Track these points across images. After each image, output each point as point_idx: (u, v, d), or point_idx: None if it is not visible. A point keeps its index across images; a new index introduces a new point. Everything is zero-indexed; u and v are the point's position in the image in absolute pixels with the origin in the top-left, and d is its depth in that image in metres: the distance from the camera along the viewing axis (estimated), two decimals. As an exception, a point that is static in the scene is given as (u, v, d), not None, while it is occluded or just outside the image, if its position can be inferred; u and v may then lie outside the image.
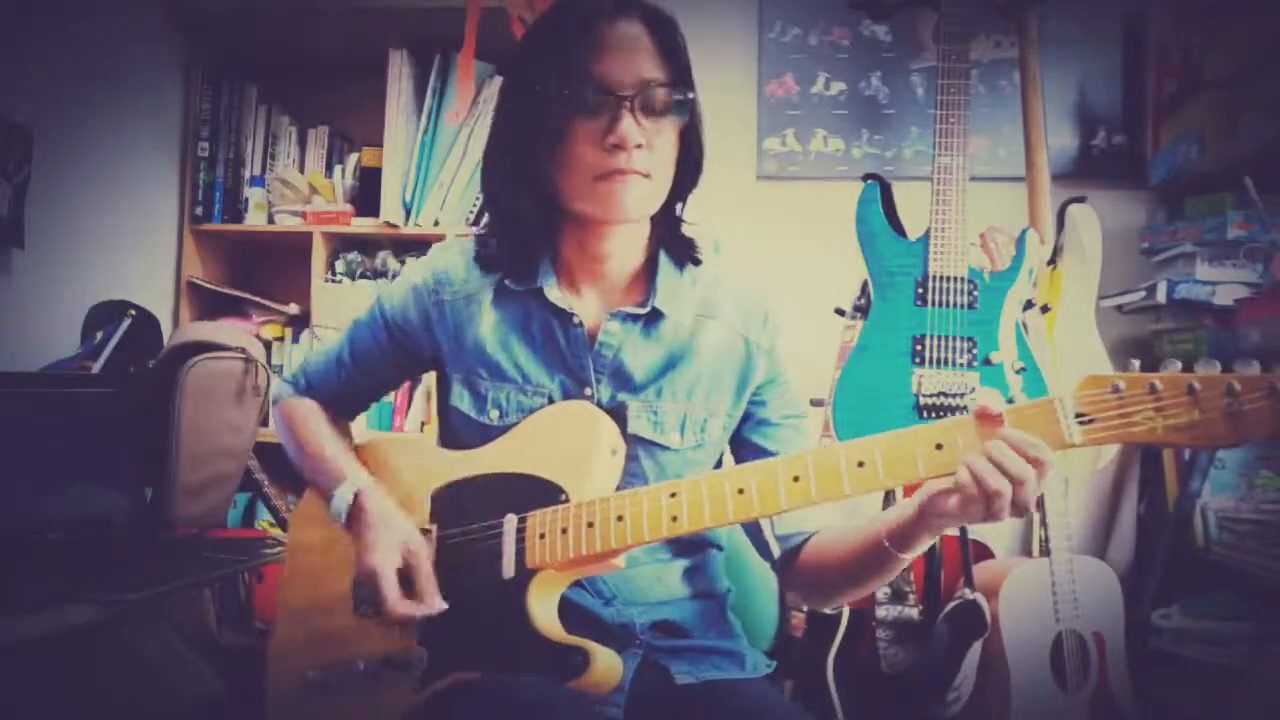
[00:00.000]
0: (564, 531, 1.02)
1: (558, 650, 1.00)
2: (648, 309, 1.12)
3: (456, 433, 1.17)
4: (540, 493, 1.05)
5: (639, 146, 1.02)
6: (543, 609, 1.03)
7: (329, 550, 1.16)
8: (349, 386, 1.27)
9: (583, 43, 1.02)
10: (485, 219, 1.19)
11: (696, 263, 1.17)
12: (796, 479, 0.95)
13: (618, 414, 1.10)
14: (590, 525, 1.01)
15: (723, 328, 1.16)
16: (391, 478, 1.17)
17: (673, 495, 0.99)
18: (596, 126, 1.02)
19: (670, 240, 1.15)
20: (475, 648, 1.04)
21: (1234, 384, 0.79)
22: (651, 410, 1.13)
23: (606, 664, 0.99)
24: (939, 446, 0.90)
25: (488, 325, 1.14)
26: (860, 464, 0.93)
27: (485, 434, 1.13)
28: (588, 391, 1.12)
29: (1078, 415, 0.86)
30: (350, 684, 1.08)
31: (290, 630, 1.18)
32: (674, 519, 0.99)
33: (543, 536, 1.03)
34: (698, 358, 1.14)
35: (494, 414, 1.14)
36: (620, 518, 1.00)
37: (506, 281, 1.14)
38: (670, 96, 1.04)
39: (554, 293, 1.12)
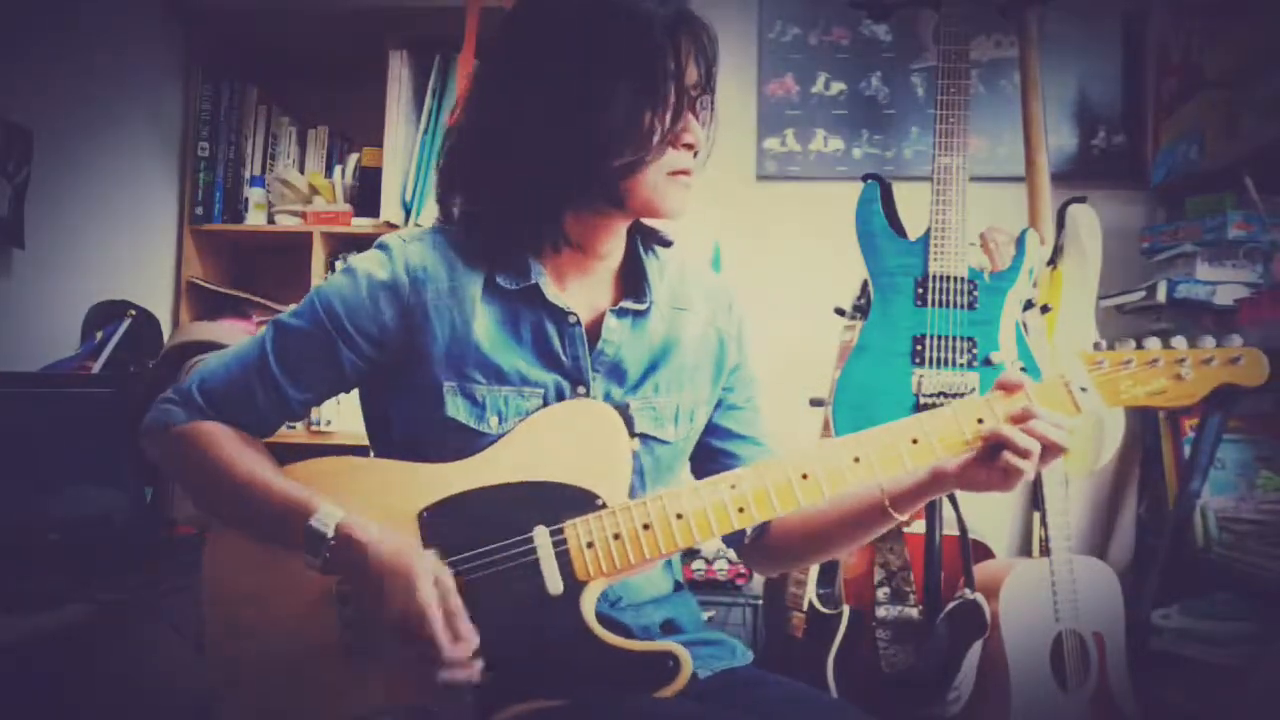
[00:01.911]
0: (616, 537, 0.99)
1: (646, 659, 0.98)
2: (646, 304, 1.12)
3: (436, 446, 1.06)
4: (565, 499, 1.01)
5: None
6: (595, 621, 0.99)
7: (278, 597, 1.01)
8: (274, 403, 1.08)
9: (668, 41, 1.02)
10: (462, 210, 1.12)
11: (666, 244, 1.18)
12: (857, 460, 1.01)
13: (623, 414, 1.08)
14: (647, 527, 0.99)
15: (696, 319, 1.18)
16: (356, 504, 1.00)
17: (732, 487, 1.00)
18: (667, 118, 1.03)
19: (641, 227, 1.16)
20: (533, 673, 0.97)
21: (1186, 357, 1.05)
22: (651, 406, 1.13)
23: (689, 665, 0.99)
24: (980, 420, 1.02)
25: (481, 325, 1.07)
26: (914, 440, 1.02)
27: (478, 443, 1.05)
28: (581, 390, 1.09)
29: (1081, 388, 1.04)
30: None
31: (256, 696, 1.02)
32: (741, 510, 1.00)
33: (590, 545, 0.99)
34: (681, 350, 1.15)
35: (494, 421, 1.06)
36: (680, 515, 0.99)
37: (498, 279, 1.08)
38: (710, 103, 1.08)
39: (550, 290, 1.09)
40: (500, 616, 0.96)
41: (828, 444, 1.03)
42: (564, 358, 1.09)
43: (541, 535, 1.00)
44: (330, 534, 0.96)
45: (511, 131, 1.04)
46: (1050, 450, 1.00)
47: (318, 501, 0.98)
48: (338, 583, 1.01)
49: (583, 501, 1.01)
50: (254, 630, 1.02)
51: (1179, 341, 1.06)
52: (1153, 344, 1.05)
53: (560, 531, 1.00)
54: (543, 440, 1.05)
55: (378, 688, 0.99)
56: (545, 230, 1.08)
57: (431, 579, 0.93)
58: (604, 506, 1.01)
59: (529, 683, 0.98)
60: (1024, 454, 0.99)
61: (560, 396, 1.09)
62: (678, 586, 1.21)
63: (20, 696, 1.46)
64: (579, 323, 1.10)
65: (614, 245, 1.13)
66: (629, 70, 1.01)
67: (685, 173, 1.06)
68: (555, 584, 0.98)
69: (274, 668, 1.01)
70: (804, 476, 1.00)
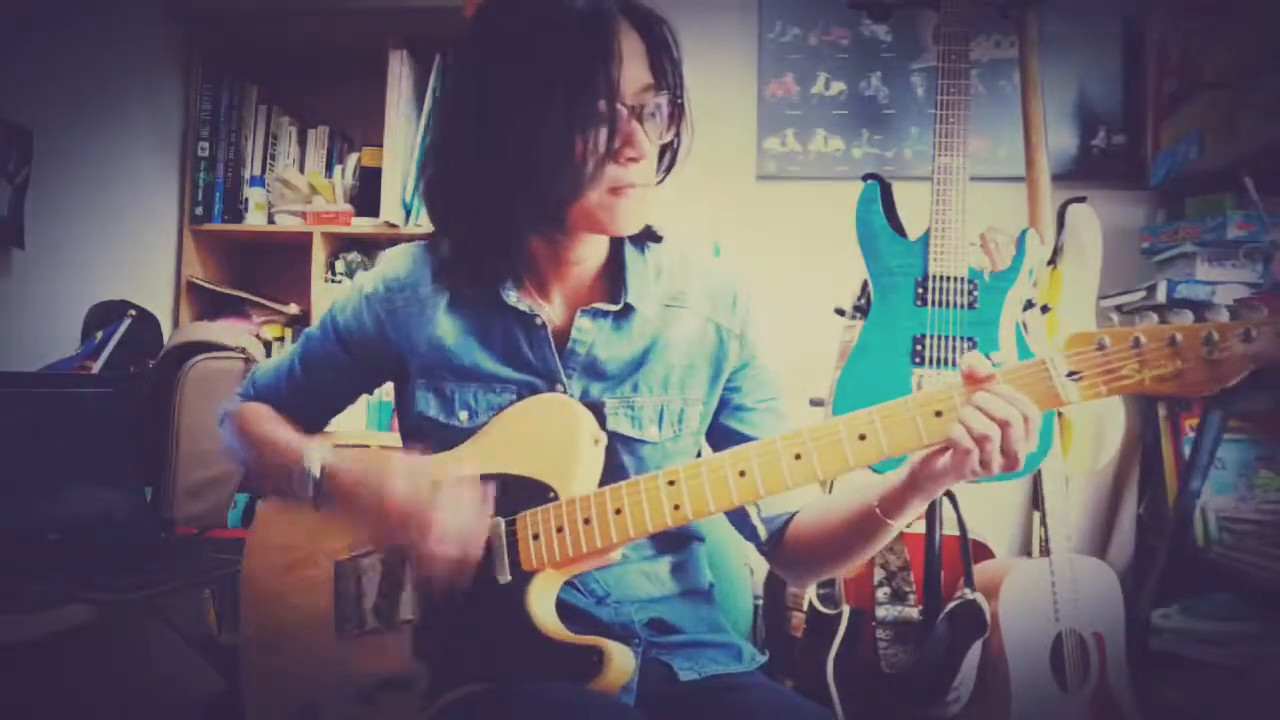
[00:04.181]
0: (559, 530, 1.00)
1: (571, 651, 0.98)
2: (620, 305, 1.11)
3: (424, 440, 1.12)
4: (524, 492, 1.03)
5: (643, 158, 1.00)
6: (544, 611, 1.01)
7: (294, 571, 1.12)
8: (301, 400, 1.21)
9: (588, 50, 0.96)
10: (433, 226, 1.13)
11: (657, 239, 1.15)
12: (798, 456, 0.95)
13: (595, 413, 1.08)
14: (587, 521, 1.00)
15: (693, 316, 1.15)
16: None
17: (671, 483, 0.98)
18: (601, 137, 0.97)
19: None
20: (477, 658, 1.01)
21: (1213, 333, 0.84)
22: (628, 406, 1.12)
23: (621, 661, 0.98)
24: (938, 414, 0.92)
25: (446, 327, 1.11)
26: (862, 436, 0.93)
27: (455, 437, 1.10)
28: (559, 388, 1.10)
29: (1069, 373, 0.89)
30: (344, 712, 1.05)
31: (263, 663, 1.14)
32: (676, 507, 0.98)
33: (536, 537, 1.01)
34: (670, 348, 1.13)
35: (463, 415, 1.10)
36: (619, 510, 0.99)
37: (463, 289, 1.11)
38: (670, 105, 1.02)
39: (512, 296, 1.09)
40: (457, 601, 1.01)
41: (771, 440, 0.97)
42: (533, 360, 1.10)
43: (496, 525, 1.03)
44: (315, 472, 1.06)
45: (456, 159, 1.05)
46: (1005, 438, 0.88)
47: (308, 446, 1.09)
48: (336, 562, 1.11)
49: (537, 494, 1.03)
50: (273, 601, 1.14)
51: (1220, 313, 0.85)
52: (1183, 317, 0.86)
53: (513, 522, 1.02)
54: (508, 434, 1.08)
55: (358, 659, 1.06)
56: (503, 246, 1.07)
57: (405, 471, 1.00)
58: (555, 499, 1.02)
59: (478, 666, 1.01)
60: (978, 438, 0.88)
61: (536, 393, 1.10)
62: (695, 590, 1.20)
63: (20, 696, 1.46)
64: (545, 325, 1.09)
65: (586, 252, 1.10)
66: (553, 91, 0.95)
67: (631, 187, 1.00)
68: (504, 573, 1.01)
69: (276, 636, 1.13)
70: (741, 474, 0.96)
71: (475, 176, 1.03)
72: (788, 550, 1.17)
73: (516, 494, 1.03)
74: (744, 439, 1.16)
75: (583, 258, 1.11)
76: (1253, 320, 0.84)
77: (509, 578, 1.01)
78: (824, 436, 0.94)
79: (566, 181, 0.98)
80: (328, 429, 1.72)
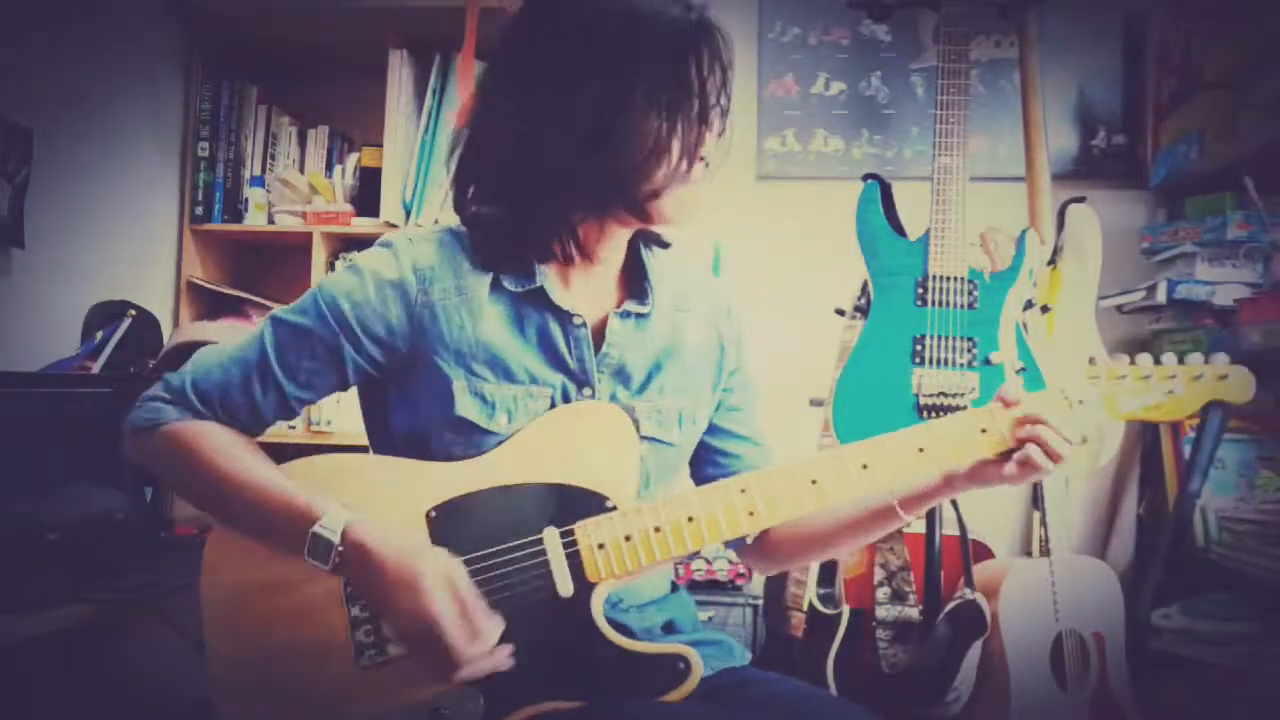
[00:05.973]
0: (628, 539, 0.99)
1: (657, 661, 0.98)
2: (648, 306, 1.12)
3: (443, 445, 1.05)
4: (575, 501, 1.01)
5: None
6: (605, 623, 0.99)
7: (283, 595, 1.00)
8: (273, 402, 1.05)
9: (689, 56, 1.03)
10: (473, 214, 1.10)
11: (664, 245, 1.18)
12: (865, 466, 1.03)
13: (630, 417, 1.09)
14: (658, 530, 0.99)
15: (699, 321, 1.18)
16: (363, 502, 0.99)
17: (742, 491, 1.02)
18: (692, 138, 1.03)
19: (641, 230, 1.14)
20: (546, 677, 0.97)
21: (1177, 373, 1.10)
22: (657, 409, 1.13)
23: (699, 666, 0.99)
24: (984, 430, 1.04)
25: (490, 325, 1.06)
26: (921, 449, 1.03)
27: (485, 442, 1.05)
28: (587, 391, 1.09)
29: (1079, 401, 1.08)
30: None
31: (257, 695, 1.00)
32: (751, 514, 1.02)
33: (602, 547, 0.99)
34: (685, 352, 1.15)
35: (502, 419, 1.05)
36: (691, 518, 1.00)
37: (503, 280, 1.07)
38: (721, 120, 1.08)
39: (556, 292, 1.08)
40: (510, 618, 0.95)
41: (836, 450, 1.04)
42: (570, 359, 1.08)
43: (551, 537, 1.00)
44: (337, 541, 0.94)
45: (531, 144, 1.01)
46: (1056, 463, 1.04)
47: (322, 505, 0.96)
48: (345, 582, 1.00)
49: (592, 504, 1.01)
50: (256, 628, 1.00)
51: (1168, 358, 1.10)
52: (1144, 360, 1.09)
53: (570, 533, 1.00)
54: (552, 441, 1.05)
55: (387, 689, 0.98)
56: (556, 237, 1.06)
57: (442, 580, 0.92)
58: (614, 509, 1.01)
59: (539, 685, 0.98)
60: (1054, 456, 1.02)
61: (566, 398, 1.08)
62: (674, 587, 1.21)
63: (20, 696, 1.46)
64: (584, 324, 1.09)
65: (615, 250, 1.12)
66: (656, 91, 1.00)
67: (694, 184, 1.06)
68: (566, 586, 0.98)
69: (276, 667, 1.00)
70: (813, 482, 1.02)
71: (544, 161, 1.01)
72: (774, 541, 1.19)
73: (565, 503, 1.01)
74: (732, 435, 1.22)
75: (608, 257, 1.12)
76: (1200, 366, 1.10)
77: (572, 590, 0.98)
78: (891, 448, 1.04)
79: (663, 178, 1.02)
80: (327, 428, 1.72)
